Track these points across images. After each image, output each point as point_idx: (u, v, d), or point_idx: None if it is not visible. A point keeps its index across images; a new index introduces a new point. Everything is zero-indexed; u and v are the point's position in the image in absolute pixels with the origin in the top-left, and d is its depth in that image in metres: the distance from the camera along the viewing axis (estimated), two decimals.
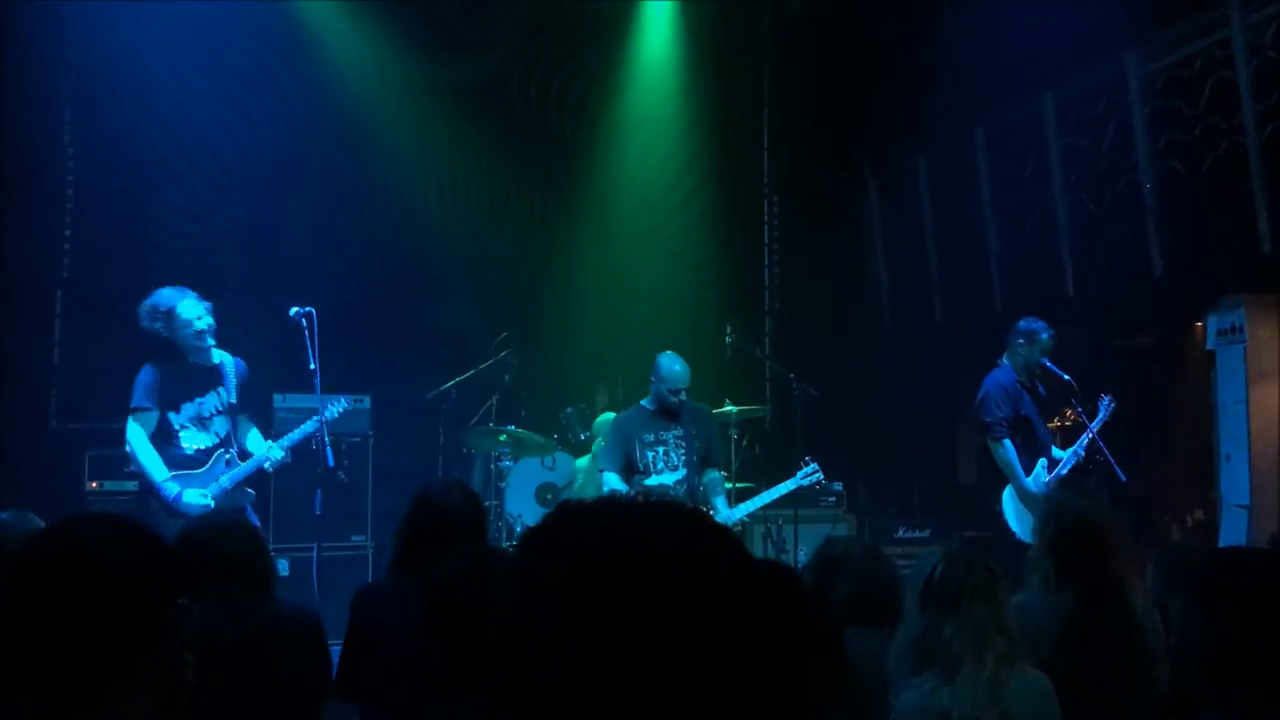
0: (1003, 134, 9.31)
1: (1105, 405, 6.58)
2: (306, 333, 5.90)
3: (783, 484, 6.72)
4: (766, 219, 11.09)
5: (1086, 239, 8.46)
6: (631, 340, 9.21)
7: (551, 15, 9.79)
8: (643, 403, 6.68)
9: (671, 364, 6.50)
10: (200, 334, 5.78)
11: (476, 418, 8.21)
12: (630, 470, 6.47)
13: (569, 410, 8.48)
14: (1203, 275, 7.60)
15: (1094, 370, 7.19)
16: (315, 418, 5.92)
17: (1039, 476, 6.50)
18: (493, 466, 7.99)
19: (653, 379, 6.55)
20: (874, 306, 10.85)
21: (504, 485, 7.89)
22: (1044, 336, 6.65)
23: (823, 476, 6.83)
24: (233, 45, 8.57)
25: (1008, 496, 6.59)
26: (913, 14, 9.54)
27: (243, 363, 6.02)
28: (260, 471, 5.88)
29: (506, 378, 8.26)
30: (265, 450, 5.88)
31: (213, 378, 5.90)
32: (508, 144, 9.66)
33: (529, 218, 9.87)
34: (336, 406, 6.02)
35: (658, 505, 1.06)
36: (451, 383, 8.06)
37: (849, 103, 10.04)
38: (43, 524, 3.66)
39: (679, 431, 6.51)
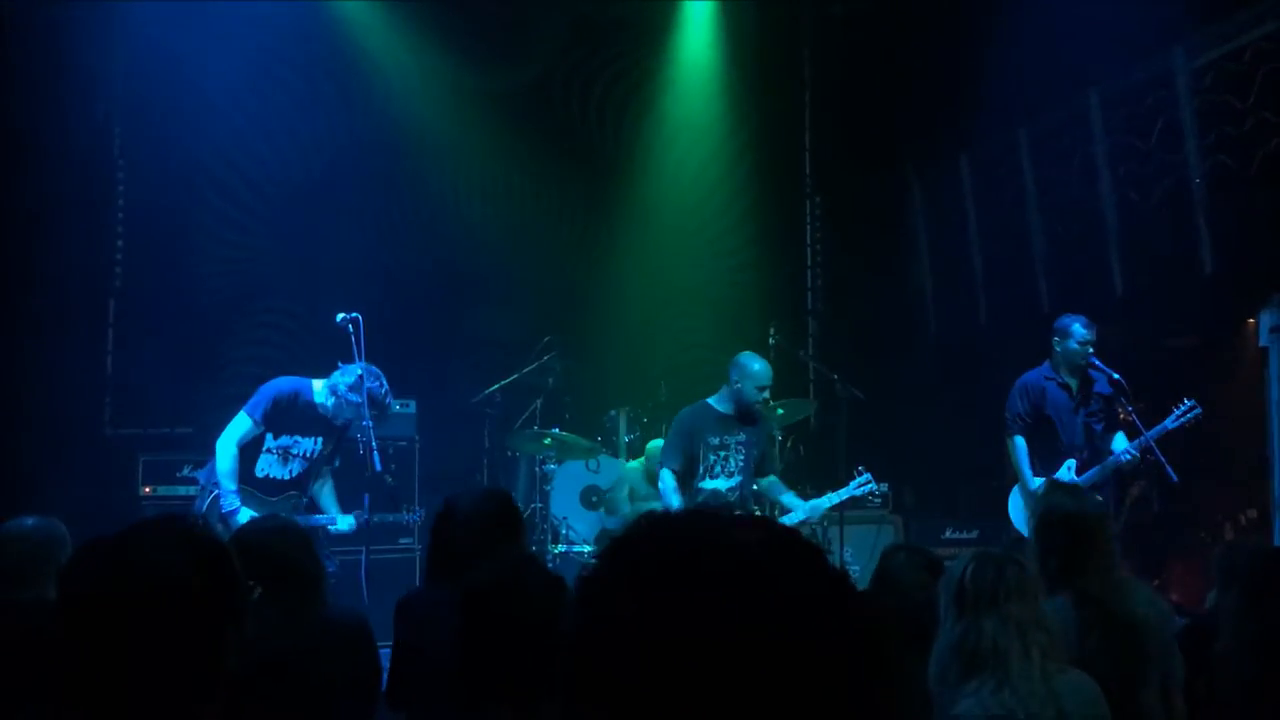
0: (1047, 133, 9.20)
1: (1184, 410, 6.26)
2: (353, 338, 5.97)
3: (836, 493, 6.56)
4: (809, 221, 11.05)
5: (1134, 237, 8.34)
6: (674, 343, 9.22)
7: (592, 22, 9.83)
8: (710, 401, 6.45)
9: (755, 361, 6.32)
10: (356, 408, 5.86)
11: (520, 421, 8.24)
12: (689, 470, 6.32)
13: (613, 413, 8.50)
14: (1254, 272, 7.47)
15: (1145, 370, 7.08)
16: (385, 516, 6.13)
17: (1061, 477, 6.39)
18: (537, 470, 8.02)
19: (735, 378, 6.30)
20: (918, 308, 10.77)
21: (549, 488, 7.92)
22: (1075, 327, 6.51)
23: (875, 486, 6.70)
24: (277, 54, 8.67)
25: (1014, 494, 6.66)
26: (954, 14, 9.47)
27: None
28: (324, 530, 6.00)
29: (550, 381, 8.28)
30: (336, 514, 6.01)
31: (324, 428, 5.99)
32: (549, 150, 9.70)
33: (571, 223, 9.90)
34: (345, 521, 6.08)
35: (743, 521, 1.03)
36: (495, 387, 8.10)
37: (891, 104, 9.98)
38: (65, 530, 3.71)
39: (742, 437, 6.35)
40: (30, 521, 3.75)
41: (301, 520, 5.84)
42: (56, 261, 8.14)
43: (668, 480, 6.29)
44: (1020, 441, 6.61)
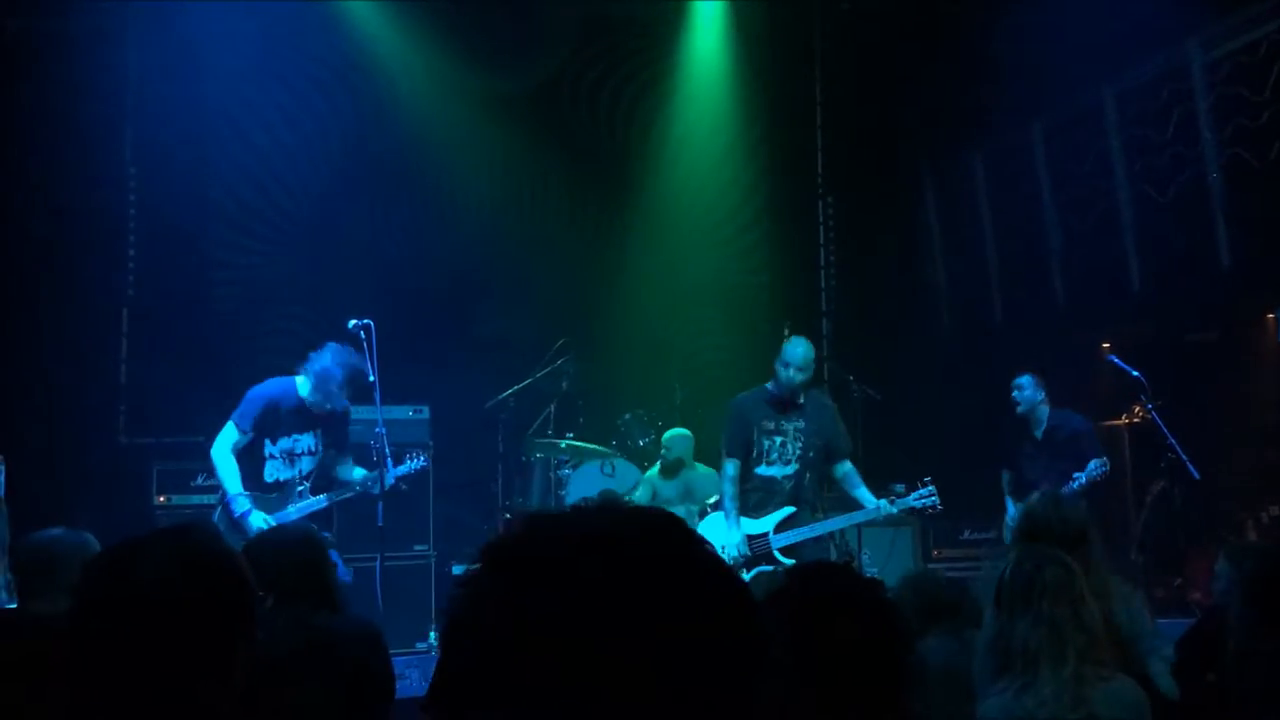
0: (1062, 128, 9.14)
1: (1093, 467, 6.67)
2: (365, 344, 5.96)
3: (902, 500, 6.34)
4: (822, 220, 11.00)
5: (1151, 232, 8.28)
6: (688, 345, 9.17)
7: (601, 22, 9.80)
8: (767, 385, 6.37)
9: (791, 345, 6.28)
10: (331, 394, 5.84)
11: (534, 426, 8.21)
12: (747, 455, 6.26)
13: (627, 416, 8.44)
14: (1273, 266, 7.41)
15: (1164, 366, 7.03)
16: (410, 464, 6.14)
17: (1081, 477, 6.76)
18: (552, 475, 7.99)
19: (777, 362, 6.27)
20: (933, 306, 10.70)
21: (564, 493, 7.88)
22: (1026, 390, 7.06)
23: (938, 501, 6.39)
24: (287, 60, 8.68)
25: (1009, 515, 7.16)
26: (965, 7, 9.41)
27: (349, 405, 6.08)
28: (332, 505, 6.03)
29: (564, 385, 8.25)
30: (358, 477, 6.01)
31: (319, 421, 5.96)
32: (561, 152, 9.67)
33: (583, 225, 9.86)
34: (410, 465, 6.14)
35: (610, 511, 1.02)
36: (509, 391, 8.07)
37: (903, 101, 9.92)
38: (95, 543, 3.66)
39: (800, 424, 6.26)
40: (57, 532, 3.72)
41: (309, 503, 5.88)
42: (69, 271, 8.16)
43: (729, 469, 6.28)
44: (1007, 475, 7.29)
